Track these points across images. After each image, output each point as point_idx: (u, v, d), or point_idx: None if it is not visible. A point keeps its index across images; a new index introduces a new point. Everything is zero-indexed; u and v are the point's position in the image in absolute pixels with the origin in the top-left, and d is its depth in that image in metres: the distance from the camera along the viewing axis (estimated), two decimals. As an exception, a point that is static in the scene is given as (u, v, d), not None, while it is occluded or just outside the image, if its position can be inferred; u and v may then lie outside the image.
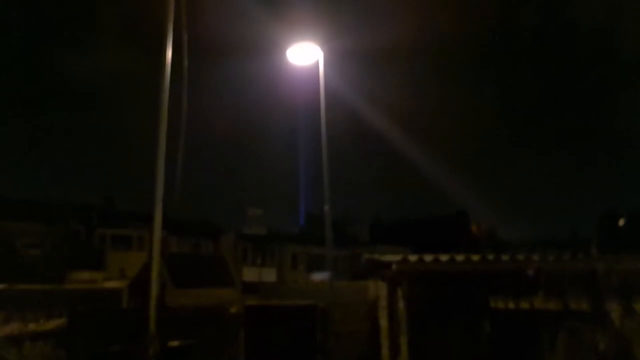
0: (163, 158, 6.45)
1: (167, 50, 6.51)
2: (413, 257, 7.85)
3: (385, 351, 8.98)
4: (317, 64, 11.84)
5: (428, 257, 7.80)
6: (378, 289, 9.54)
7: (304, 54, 11.75)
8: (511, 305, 7.79)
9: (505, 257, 7.81)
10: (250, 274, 32.67)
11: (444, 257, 7.79)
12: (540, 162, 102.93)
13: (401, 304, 7.95)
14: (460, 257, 7.79)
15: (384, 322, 9.08)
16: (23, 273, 20.80)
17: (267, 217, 44.57)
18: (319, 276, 10.89)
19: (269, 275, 34.82)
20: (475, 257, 7.83)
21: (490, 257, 7.86)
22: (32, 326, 6.80)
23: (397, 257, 7.95)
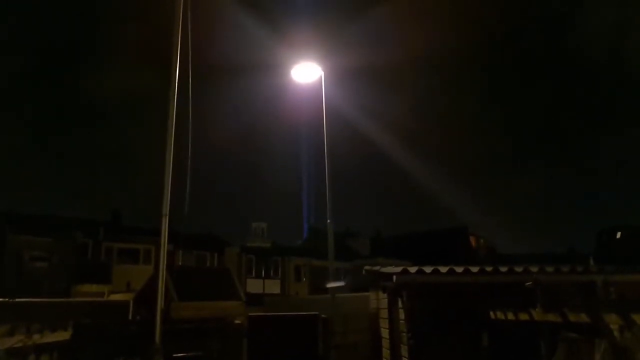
0: (170, 174, 6.67)
1: (175, 71, 6.77)
2: (413, 269, 7.96)
3: (386, 362, 9.07)
4: (320, 82, 12.11)
5: (428, 269, 7.92)
6: (379, 300, 9.64)
7: (307, 73, 12.04)
8: (510, 317, 7.86)
9: (503, 269, 7.92)
10: (254, 286, 32.79)
11: (443, 269, 7.91)
12: (539, 179, 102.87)
13: (402, 315, 8.04)
14: (459, 269, 7.92)
15: (385, 333, 9.18)
16: (30, 286, 20.96)
17: (271, 231, 44.83)
18: (333, 284, 10.98)
19: (273, 287, 34.94)
20: (474, 269, 7.95)
21: (489, 269, 7.97)
22: (36, 338, 6.87)
23: (397, 269, 8.06)
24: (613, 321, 7.28)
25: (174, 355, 6.96)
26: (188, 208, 6.98)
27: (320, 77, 12.25)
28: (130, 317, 14.44)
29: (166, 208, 6.80)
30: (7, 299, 13.13)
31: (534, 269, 7.82)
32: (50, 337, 7.02)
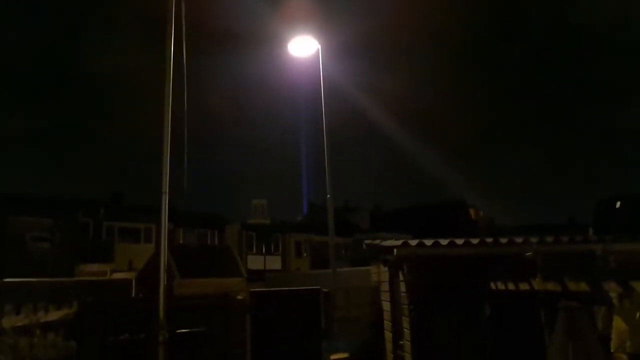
0: (168, 152, 6.63)
1: (169, 47, 6.66)
2: (413, 242, 7.99)
3: (388, 334, 9.18)
4: (317, 56, 11.98)
5: (428, 242, 7.95)
6: (380, 274, 9.70)
7: (304, 47, 11.89)
8: (511, 287, 7.92)
9: (503, 240, 7.95)
10: (255, 263, 33.03)
11: (444, 241, 7.94)
12: (538, 151, 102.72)
13: (403, 288, 8.10)
14: (459, 241, 7.95)
15: (386, 306, 9.26)
16: (33, 266, 21.10)
17: (271, 207, 44.96)
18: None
19: (274, 263, 35.21)
20: (475, 241, 7.97)
21: (489, 240, 8.00)
22: (41, 315, 6.94)
23: (398, 242, 8.09)
24: (612, 289, 7.35)
25: (178, 331, 7.02)
26: (187, 185, 6.97)
27: (318, 50, 12.10)
28: (133, 295, 14.57)
29: (165, 186, 6.79)
30: (12, 280, 13.22)
31: (534, 239, 7.84)
32: (56, 315, 7.09)
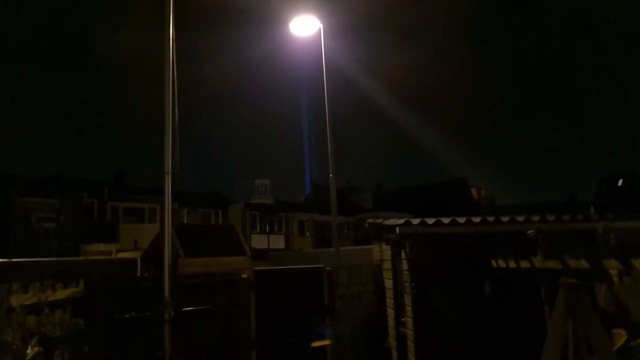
0: (170, 132, 6.65)
1: (170, 26, 6.62)
2: (416, 221, 8.04)
3: (390, 311, 9.31)
4: (319, 36, 11.87)
5: (430, 220, 8.00)
6: (382, 252, 9.79)
7: (306, 26, 11.78)
8: (512, 264, 7.99)
9: (505, 219, 7.99)
10: (259, 242, 33.30)
11: (445, 220, 7.98)
12: (540, 130, 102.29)
13: (405, 266, 8.18)
14: (461, 220, 7.99)
15: (388, 284, 9.38)
16: (38, 246, 21.31)
17: (274, 187, 45.16)
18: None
19: (278, 242, 35.50)
20: (476, 220, 8.01)
21: (491, 219, 8.04)
22: (49, 293, 7.02)
23: (400, 221, 8.14)
24: (613, 266, 7.40)
25: (183, 309, 7.14)
26: (180, 165, 7.00)
27: (319, 30, 11.99)
28: (138, 274, 14.72)
29: (168, 166, 6.84)
30: (19, 260, 13.32)
31: (535, 217, 7.87)
32: (63, 294, 7.18)
